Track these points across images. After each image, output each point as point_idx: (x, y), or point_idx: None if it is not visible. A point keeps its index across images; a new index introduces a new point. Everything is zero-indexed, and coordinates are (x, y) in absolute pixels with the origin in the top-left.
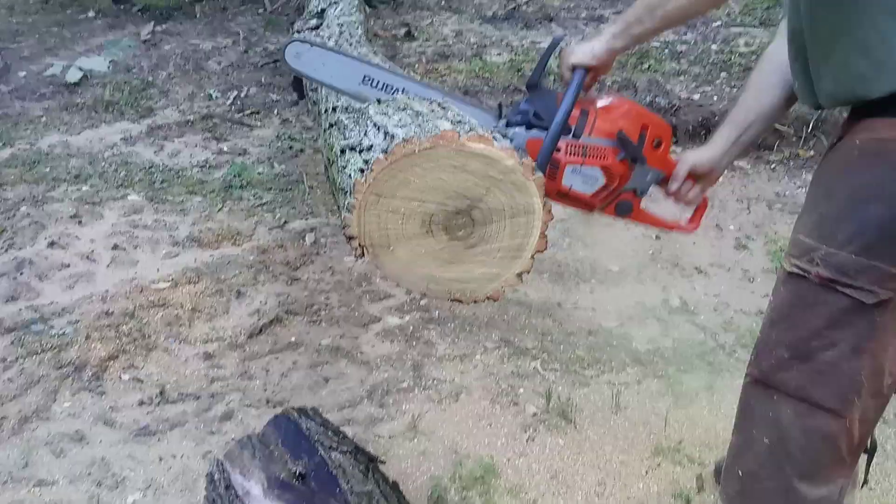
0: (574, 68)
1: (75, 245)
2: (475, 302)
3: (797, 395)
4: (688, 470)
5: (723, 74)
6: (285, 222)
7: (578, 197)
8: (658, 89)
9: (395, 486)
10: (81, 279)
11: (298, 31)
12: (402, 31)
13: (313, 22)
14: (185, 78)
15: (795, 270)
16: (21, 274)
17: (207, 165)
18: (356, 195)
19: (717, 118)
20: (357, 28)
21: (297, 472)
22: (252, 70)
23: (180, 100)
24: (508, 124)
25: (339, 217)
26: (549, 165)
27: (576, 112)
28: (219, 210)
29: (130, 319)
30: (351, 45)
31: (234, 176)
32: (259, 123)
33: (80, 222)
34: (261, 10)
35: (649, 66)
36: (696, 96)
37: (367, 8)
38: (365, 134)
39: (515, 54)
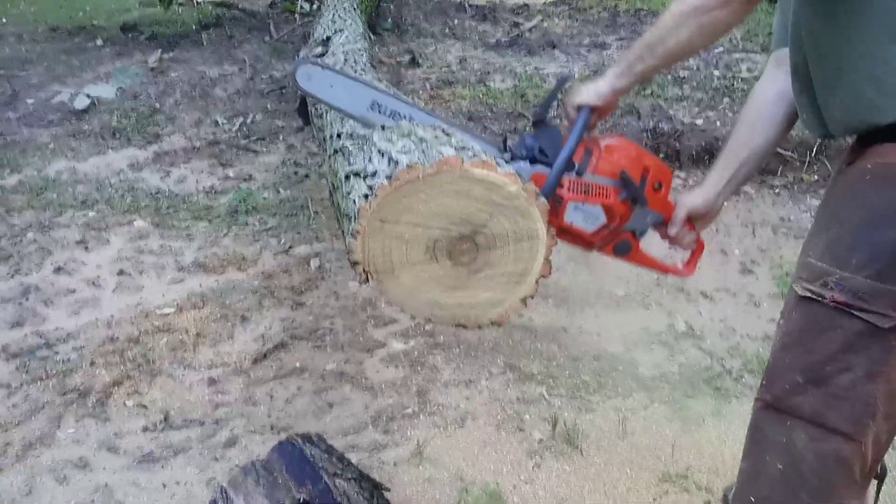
0: (579, 108)
1: (81, 271)
2: (480, 327)
3: (811, 419)
4: (696, 497)
5: (725, 100)
6: (290, 248)
7: (579, 234)
8: (661, 114)
9: None
10: (87, 305)
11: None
12: (407, 58)
13: (318, 49)
14: (192, 105)
15: (808, 294)
16: (27, 299)
17: (213, 191)
18: (360, 221)
19: (720, 143)
20: (362, 55)
21: (302, 499)
22: (258, 97)
23: (187, 126)
24: (513, 158)
25: (344, 242)
26: (551, 201)
27: (580, 150)
28: (224, 235)
29: (135, 345)
30: (356, 72)
31: (240, 201)
32: (265, 149)
33: (86, 248)
34: (267, 38)
35: (652, 92)
36: (700, 121)
37: (371, 35)
38: (369, 160)
39: (519, 81)
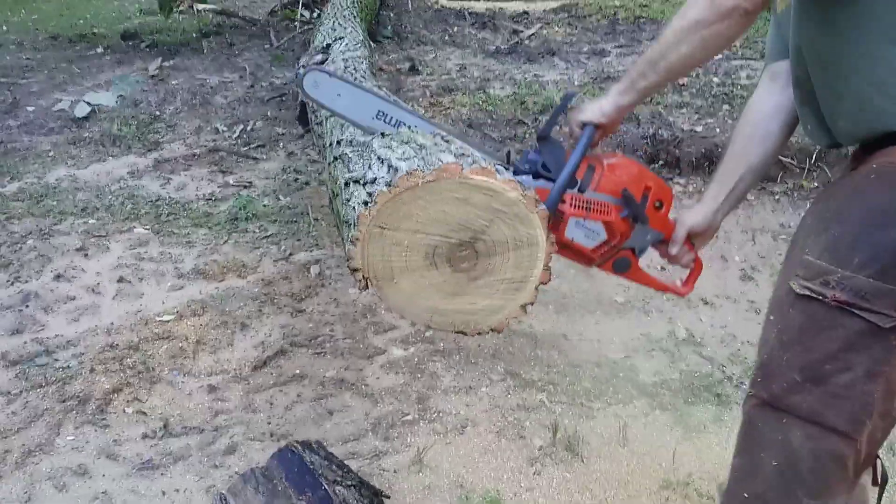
0: (583, 125)
1: (81, 278)
2: (479, 334)
3: (809, 418)
4: None
5: (725, 107)
6: (290, 254)
7: (579, 250)
8: (661, 121)
9: None
10: (87, 312)
11: (304, 66)
12: (407, 65)
13: (319, 57)
14: (192, 112)
15: (807, 293)
16: (27, 307)
17: (213, 198)
18: (360, 228)
19: (719, 150)
20: (362, 63)
21: None
22: (258, 104)
23: (187, 133)
24: (516, 172)
25: (344, 249)
26: (553, 216)
27: (583, 167)
28: (224, 242)
29: (135, 352)
30: (356, 79)
31: (240, 209)
32: (265, 157)
33: (86, 255)
34: (267, 46)
35: (652, 99)
36: (699, 128)
37: (371, 43)
38: (369, 167)
39: (519, 88)
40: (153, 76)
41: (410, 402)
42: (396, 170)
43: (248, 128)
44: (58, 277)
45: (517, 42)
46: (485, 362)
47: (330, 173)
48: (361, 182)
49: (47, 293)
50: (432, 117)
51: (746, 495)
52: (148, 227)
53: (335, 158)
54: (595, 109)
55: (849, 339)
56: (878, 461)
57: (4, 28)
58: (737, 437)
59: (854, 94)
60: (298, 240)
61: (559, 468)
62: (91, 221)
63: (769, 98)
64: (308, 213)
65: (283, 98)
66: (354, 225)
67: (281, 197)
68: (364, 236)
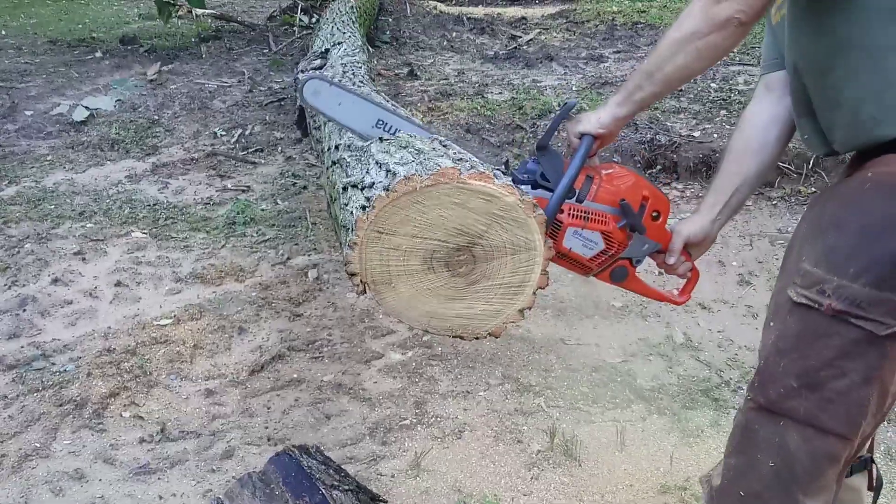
0: (581, 136)
1: (78, 282)
2: (477, 338)
3: (805, 421)
4: None
5: (722, 112)
6: (288, 259)
7: (577, 259)
8: (659, 127)
9: None
10: (84, 316)
11: (302, 71)
12: (405, 70)
13: (317, 62)
14: (191, 116)
15: (804, 301)
16: (24, 311)
17: (211, 202)
18: (358, 232)
19: (717, 155)
20: (360, 68)
21: None
22: (256, 109)
23: (185, 138)
24: (515, 181)
25: (342, 253)
26: (551, 226)
27: (581, 177)
28: (222, 247)
29: (132, 356)
30: (354, 84)
31: (238, 213)
32: (263, 161)
33: (83, 259)
34: (265, 51)
35: (654, 104)
36: (697, 133)
37: (370, 48)
38: (367, 171)
39: (517, 93)
40: (152, 81)
41: (408, 407)
42: (394, 174)
43: (247, 132)
44: (55, 281)
45: (515, 47)
46: (483, 367)
47: (328, 178)
48: (359, 186)
49: (44, 297)
50: (430, 123)
51: (742, 494)
52: (146, 231)
53: (333, 163)
54: (593, 120)
55: (844, 347)
56: (874, 465)
57: (3, 32)
58: (729, 438)
59: (850, 103)
60: (296, 244)
61: (557, 472)
62: (89, 225)
63: (764, 109)
64: (306, 218)
65: (282, 103)
66: (352, 229)
67: (279, 201)
68: (362, 241)
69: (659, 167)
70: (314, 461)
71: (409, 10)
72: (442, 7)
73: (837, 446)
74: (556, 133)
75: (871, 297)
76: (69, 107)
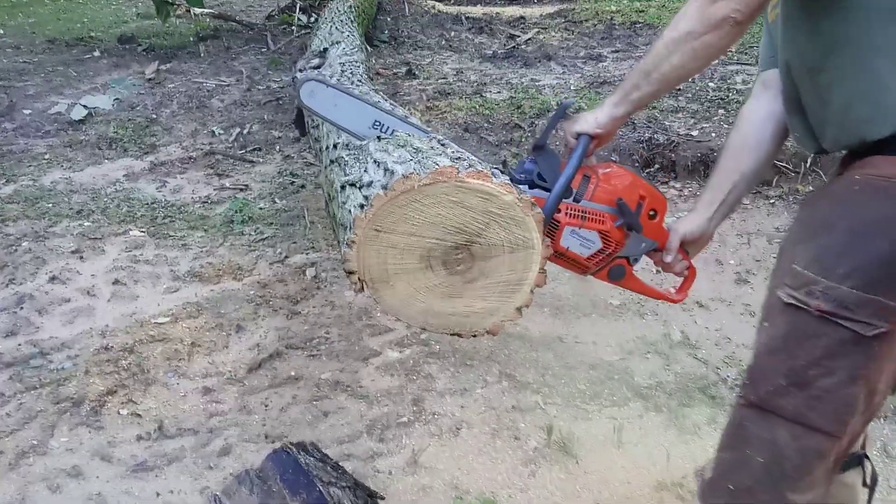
0: (578, 135)
1: (76, 280)
2: (475, 336)
3: (794, 419)
4: None
5: (720, 111)
6: (286, 257)
7: (574, 258)
8: (657, 126)
9: None
10: (81, 314)
11: (301, 70)
12: (404, 69)
13: (315, 61)
14: (189, 115)
15: (793, 302)
16: (21, 309)
17: (209, 201)
18: (356, 230)
19: (714, 154)
20: (359, 67)
21: None
22: (255, 107)
23: (183, 137)
24: (512, 181)
25: (340, 252)
26: (548, 225)
27: (578, 177)
28: (220, 245)
29: (130, 354)
30: (352, 83)
31: (236, 211)
32: (261, 160)
33: (81, 257)
34: (264, 50)
35: (650, 104)
36: (695, 133)
37: (368, 47)
38: (365, 170)
39: (515, 92)
40: (150, 79)
41: (405, 404)
42: (393, 173)
43: (245, 131)
44: (53, 279)
45: (514, 47)
46: (480, 364)
47: (326, 176)
48: (357, 185)
49: (42, 295)
50: (428, 122)
51: (732, 487)
52: (143, 229)
53: (331, 161)
54: (590, 120)
55: (831, 347)
56: (868, 462)
57: (1, 31)
58: (722, 433)
59: (840, 102)
60: (294, 242)
61: (554, 469)
62: (86, 224)
63: (761, 106)
64: (304, 216)
65: (280, 102)
66: (350, 228)
67: (277, 200)
68: (360, 239)
69: (657, 166)
70: (312, 458)
71: (407, 10)
72: (440, 6)
73: (825, 444)
74: (553, 133)
75: (858, 298)
76: (67, 105)
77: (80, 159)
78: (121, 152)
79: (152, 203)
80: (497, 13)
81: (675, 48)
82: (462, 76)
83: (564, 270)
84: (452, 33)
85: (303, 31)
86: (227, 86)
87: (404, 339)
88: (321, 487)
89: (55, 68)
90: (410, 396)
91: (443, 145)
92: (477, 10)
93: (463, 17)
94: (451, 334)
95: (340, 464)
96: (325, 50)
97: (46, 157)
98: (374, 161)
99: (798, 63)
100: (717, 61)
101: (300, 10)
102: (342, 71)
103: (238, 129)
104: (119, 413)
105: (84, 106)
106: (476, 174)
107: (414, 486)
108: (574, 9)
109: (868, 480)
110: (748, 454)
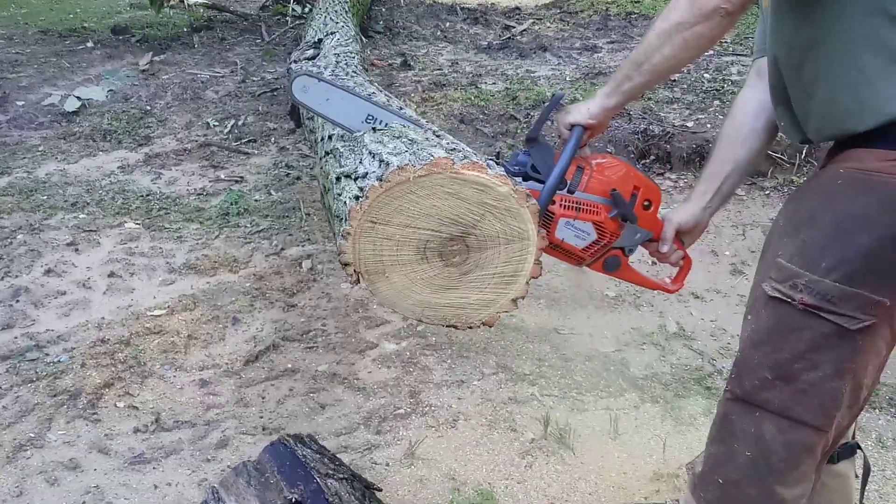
0: (571, 126)
1: (72, 273)
2: (471, 328)
3: (780, 412)
4: None
5: (716, 102)
6: (282, 249)
7: (569, 250)
8: (652, 117)
9: None
10: (77, 307)
11: (295, 62)
12: (399, 60)
13: (310, 52)
14: (183, 107)
15: (777, 295)
16: (17, 301)
17: (205, 193)
18: (351, 222)
19: (710, 145)
20: (353, 58)
21: (293, 500)
22: (249, 99)
23: (178, 128)
24: (506, 173)
25: (336, 244)
26: (543, 217)
27: (572, 168)
28: (215, 237)
29: (126, 347)
30: (347, 74)
31: (231, 203)
32: (256, 151)
33: (76, 250)
34: (258, 41)
35: (643, 95)
36: (690, 123)
37: (363, 38)
38: (360, 162)
39: (510, 83)
40: (144, 71)
41: (402, 396)
42: (388, 164)
43: (240, 122)
44: (48, 272)
45: (509, 38)
46: (476, 356)
47: (321, 168)
48: (353, 177)
49: (37, 288)
50: (424, 113)
51: (721, 481)
52: (139, 221)
53: (327, 153)
54: (583, 111)
55: (816, 341)
56: (862, 453)
57: None
58: (711, 426)
59: (824, 94)
60: (290, 234)
61: (551, 461)
62: (81, 216)
63: (755, 95)
64: (300, 208)
65: (275, 93)
66: (346, 219)
67: (272, 192)
68: (355, 231)
69: (652, 157)
70: (309, 450)
71: (402, 0)
72: None
73: (812, 437)
74: (546, 124)
75: (841, 292)
76: (61, 97)
77: (74, 151)
78: (115, 144)
79: (147, 195)
80: (492, 3)
81: (667, 39)
82: (457, 67)
83: (560, 262)
84: (448, 24)
85: (297, 22)
86: (222, 77)
87: (401, 331)
88: (318, 479)
89: (48, 59)
90: (407, 388)
91: (438, 136)
92: (472, 1)
93: (458, 8)
94: (447, 326)
95: (337, 455)
96: (320, 41)
97: (40, 149)
98: (370, 152)
99: (784, 55)
100: (711, 52)
101: (294, 1)
102: (337, 62)
103: (233, 121)
104: (116, 406)
105: (78, 97)
106: (471, 165)
107: (411, 477)
108: (569, 0)
109: (863, 471)
110: (736, 448)
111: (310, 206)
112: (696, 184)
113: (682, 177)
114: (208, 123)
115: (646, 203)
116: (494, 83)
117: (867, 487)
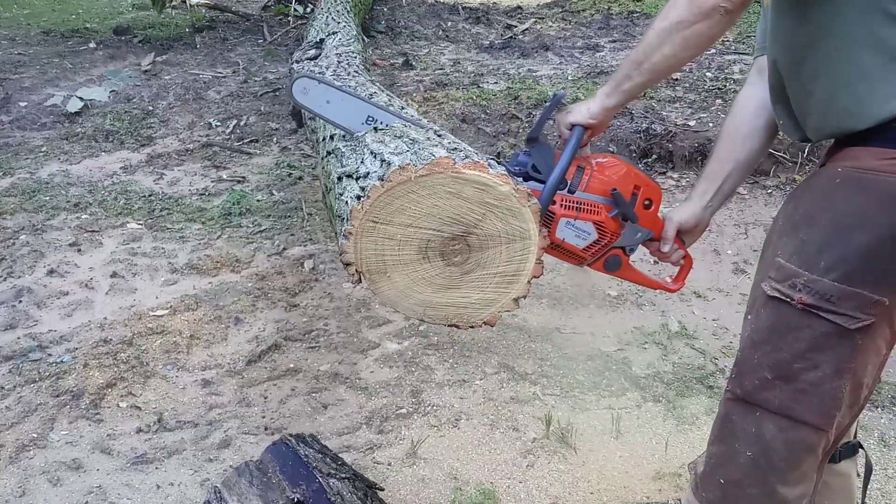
0: (572, 126)
1: (74, 273)
2: (472, 327)
3: (780, 412)
4: None
5: (718, 101)
6: (284, 249)
7: (570, 250)
8: (654, 116)
9: None
10: (80, 307)
11: (297, 62)
12: (401, 60)
13: (312, 52)
14: (185, 107)
15: (777, 295)
16: (20, 302)
17: (207, 193)
18: (353, 222)
19: (712, 144)
20: (355, 58)
21: (296, 500)
22: (251, 99)
23: (180, 129)
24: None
25: (337, 243)
26: (543, 217)
27: (572, 168)
28: (218, 237)
29: (129, 347)
30: (349, 74)
31: (234, 203)
32: (258, 151)
33: (79, 250)
34: (260, 41)
35: (645, 94)
36: (692, 122)
37: (365, 38)
38: (362, 161)
39: (512, 82)
40: (146, 71)
41: (404, 396)
42: (389, 164)
43: (242, 123)
44: (51, 273)
45: (511, 37)
46: (478, 356)
47: (323, 168)
48: (354, 176)
49: (40, 288)
50: (425, 113)
51: (723, 481)
52: (141, 222)
53: (328, 153)
54: (583, 111)
55: (815, 340)
56: (864, 452)
57: None
58: (712, 426)
59: (823, 93)
60: (292, 234)
61: (553, 460)
62: (84, 217)
63: (756, 94)
64: (301, 208)
65: (277, 93)
66: (347, 219)
67: (274, 192)
68: (357, 230)
69: (654, 156)
70: (311, 450)
71: (404, 0)
72: None
73: (812, 437)
74: (548, 124)
75: (840, 291)
76: (63, 98)
77: (76, 152)
78: (117, 145)
79: (149, 195)
80: (494, 3)
81: (666, 38)
82: (459, 67)
83: (561, 261)
84: (449, 23)
85: (299, 22)
86: (224, 77)
87: (403, 331)
88: (321, 479)
89: (50, 60)
90: (409, 388)
91: (439, 136)
92: (474, 0)
93: (460, 7)
94: (448, 325)
95: (340, 455)
96: (322, 41)
97: (43, 149)
98: (371, 152)
99: (783, 53)
100: (713, 50)
101: (296, 1)
102: (339, 62)
103: (235, 121)
104: (118, 406)
105: (80, 98)
106: (472, 165)
107: (413, 477)
108: None
109: (864, 469)
110: (737, 448)
111: (312, 205)
112: (696, 183)
113: (684, 176)
114: (210, 124)
115: (646, 202)
116: (496, 82)
117: (869, 486)
